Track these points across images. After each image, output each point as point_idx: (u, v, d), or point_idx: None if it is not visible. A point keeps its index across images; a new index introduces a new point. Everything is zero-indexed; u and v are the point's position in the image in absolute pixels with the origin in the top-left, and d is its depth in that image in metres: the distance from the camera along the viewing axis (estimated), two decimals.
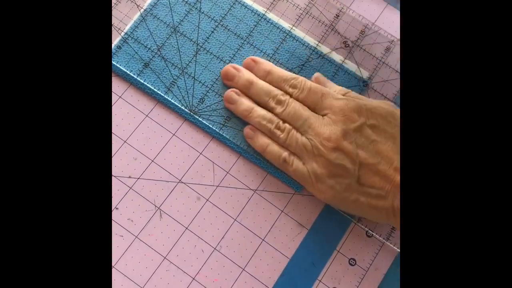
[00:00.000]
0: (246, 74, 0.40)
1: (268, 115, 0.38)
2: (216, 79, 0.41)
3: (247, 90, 0.39)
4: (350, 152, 0.35)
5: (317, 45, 0.43)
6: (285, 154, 0.37)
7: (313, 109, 0.37)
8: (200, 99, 0.40)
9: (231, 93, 0.39)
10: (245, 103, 0.39)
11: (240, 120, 0.40)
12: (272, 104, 0.38)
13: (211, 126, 0.40)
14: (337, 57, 0.43)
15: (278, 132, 0.37)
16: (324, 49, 0.43)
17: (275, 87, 0.39)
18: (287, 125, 0.37)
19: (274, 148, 0.38)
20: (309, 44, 0.43)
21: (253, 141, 0.39)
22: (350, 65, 0.42)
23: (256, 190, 0.39)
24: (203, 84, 0.41)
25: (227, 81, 0.40)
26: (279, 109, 0.38)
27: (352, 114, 0.36)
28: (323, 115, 0.37)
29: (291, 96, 0.38)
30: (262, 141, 0.38)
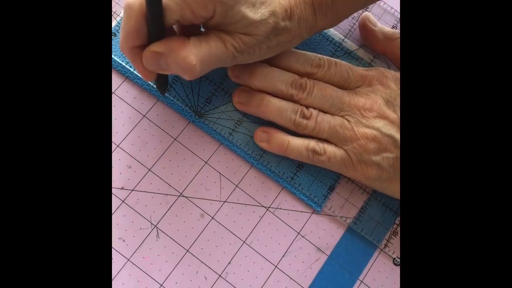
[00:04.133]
0: None
1: (289, 104, 0.33)
2: (227, 76, 0.35)
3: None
4: (395, 121, 0.32)
5: (343, 40, 0.37)
6: (312, 143, 0.33)
7: (342, 86, 0.34)
8: (206, 98, 0.35)
9: (239, 91, 0.34)
10: (258, 95, 0.33)
11: (253, 126, 0.34)
12: (292, 90, 0.33)
13: (218, 131, 0.34)
14: (365, 55, 0.37)
15: (304, 121, 0.33)
16: (351, 45, 0.37)
17: (293, 71, 0.34)
18: (312, 110, 0.33)
19: (297, 142, 0.33)
20: (334, 39, 0.37)
21: (270, 143, 0.34)
22: (379, 64, 0.37)
23: (269, 207, 0.34)
24: (210, 81, 0.35)
25: (235, 78, 0.34)
26: (302, 94, 0.33)
27: (389, 83, 0.34)
28: (355, 89, 0.34)
29: (312, 76, 0.34)
30: (280, 139, 0.33)
